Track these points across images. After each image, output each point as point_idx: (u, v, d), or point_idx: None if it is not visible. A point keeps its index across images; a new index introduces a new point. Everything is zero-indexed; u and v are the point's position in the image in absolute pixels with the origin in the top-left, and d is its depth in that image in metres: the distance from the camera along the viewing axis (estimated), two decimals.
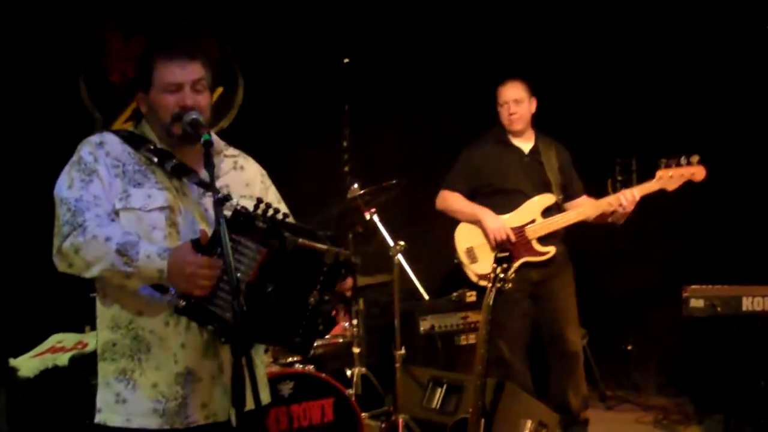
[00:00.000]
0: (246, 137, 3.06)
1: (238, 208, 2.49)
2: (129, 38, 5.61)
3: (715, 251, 5.74)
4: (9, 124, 5.25)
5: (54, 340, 4.26)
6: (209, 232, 2.52)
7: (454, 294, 5.87)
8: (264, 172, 3.03)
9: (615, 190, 5.87)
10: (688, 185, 4.68)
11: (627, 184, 5.97)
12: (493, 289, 3.82)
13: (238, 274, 2.39)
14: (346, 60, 6.10)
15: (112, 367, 2.67)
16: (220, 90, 5.54)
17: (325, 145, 5.99)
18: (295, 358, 4.29)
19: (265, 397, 2.86)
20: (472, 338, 5.61)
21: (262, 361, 2.98)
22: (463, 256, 4.98)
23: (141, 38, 5.61)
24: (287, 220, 2.57)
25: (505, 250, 3.92)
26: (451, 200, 5.04)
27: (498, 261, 3.86)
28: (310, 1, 6.09)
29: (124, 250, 2.48)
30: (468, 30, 6.40)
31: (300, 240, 2.45)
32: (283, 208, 2.99)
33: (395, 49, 6.28)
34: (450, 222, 5.16)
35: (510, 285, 3.85)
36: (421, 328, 5.49)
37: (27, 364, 4.09)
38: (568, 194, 4.98)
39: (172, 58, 2.69)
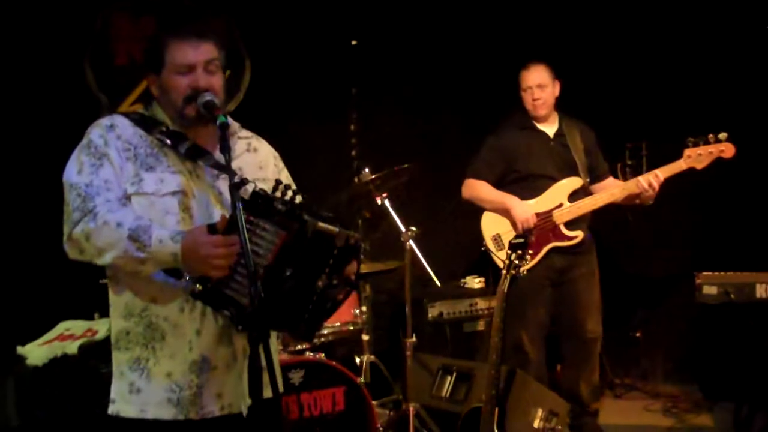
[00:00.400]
0: (252, 120, 2.98)
1: (257, 189, 2.44)
2: (137, 19, 5.53)
3: (728, 237, 5.71)
4: (16, 109, 5.17)
5: (62, 327, 4.20)
6: (226, 215, 2.47)
7: (462, 280, 5.86)
8: (276, 154, 2.97)
9: (624, 175, 5.94)
10: (717, 164, 4.61)
11: (637, 168, 6.00)
12: (508, 276, 3.76)
13: (256, 258, 2.35)
14: (353, 42, 6.01)
15: (126, 356, 2.62)
16: (227, 72, 5.43)
17: (332, 129, 5.92)
18: (305, 346, 4.24)
19: (280, 386, 2.81)
20: (480, 325, 5.62)
21: (276, 349, 2.92)
22: (490, 244, 4.93)
23: (150, 19, 5.53)
24: (306, 201, 2.52)
25: (520, 236, 3.83)
26: (478, 189, 4.96)
27: (512, 247, 3.79)
28: None
29: (136, 235, 2.43)
30: (478, 11, 6.33)
31: (320, 223, 2.41)
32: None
33: (404, 31, 6.20)
34: (460, 207, 5.11)
35: (524, 271, 3.79)
36: (430, 315, 5.46)
37: (35, 353, 4.04)
38: (594, 176, 4.92)
39: (184, 39, 2.63)
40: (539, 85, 4.84)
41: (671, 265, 6.08)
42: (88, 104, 5.42)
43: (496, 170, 4.93)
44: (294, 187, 2.93)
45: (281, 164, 2.97)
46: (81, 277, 3.35)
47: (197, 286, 2.43)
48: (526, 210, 4.76)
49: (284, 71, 5.92)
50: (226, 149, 2.44)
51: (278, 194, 2.44)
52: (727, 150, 4.55)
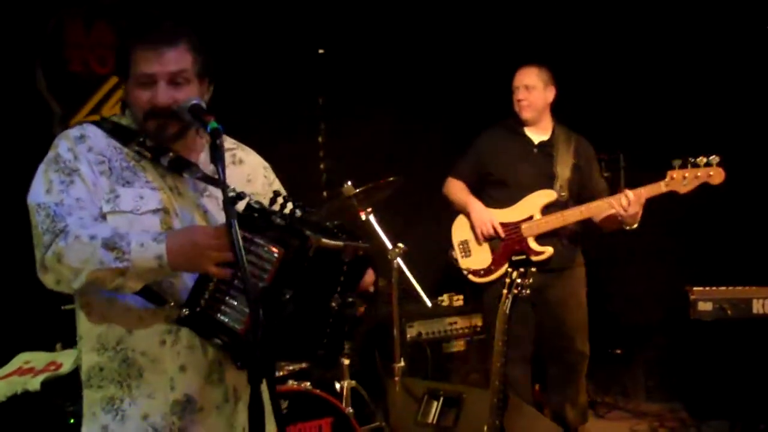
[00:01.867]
0: None
1: (252, 202, 2.16)
2: (90, 25, 5.20)
3: (715, 250, 5.54)
4: None
5: (21, 359, 3.80)
6: None
7: (440, 298, 5.63)
8: (267, 164, 2.70)
9: None
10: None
11: (614, 182, 5.78)
12: (510, 296, 3.53)
13: (252, 279, 2.04)
14: (321, 51, 5.75)
15: (98, 395, 2.31)
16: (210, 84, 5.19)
17: (300, 141, 5.65)
18: (285, 372, 3.95)
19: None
20: (460, 345, 5.38)
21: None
22: (456, 249, 4.74)
23: (103, 25, 5.20)
24: (307, 214, 2.23)
25: (521, 252, 3.60)
26: (452, 188, 4.82)
27: (514, 264, 3.57)
28: None
29: (112, 243, 2.13)
30: (450, 17, 6.13)
31: (323, 239, 2.12)
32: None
33: (373, 38, 5.96)
34: (436, 220, 4.89)
35: (528, 291, 3.55)
36: (408, 336, 5.20)
37: None
38: (583, 195, 4.64)
39: (148, 45, 2.31)
40: (526, 86, 4.65)
41: (652, 280, 5.89)
42: (36, 112, 5.05)
43: (472, 171, 4.77)
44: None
45: (272, 176, 2.70)
46: (41, 302, 2.99)
47: (183, 310, 2.15)
48: (486, 216, 4.59)
49: (248, 81, 5.59)
50: (219, 159, 2.13)
51: (276, 207, 2.16)
52: (716, 175, 4.27)
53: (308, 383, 3.91)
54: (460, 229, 4.78)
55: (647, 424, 5.49)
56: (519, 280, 3.54)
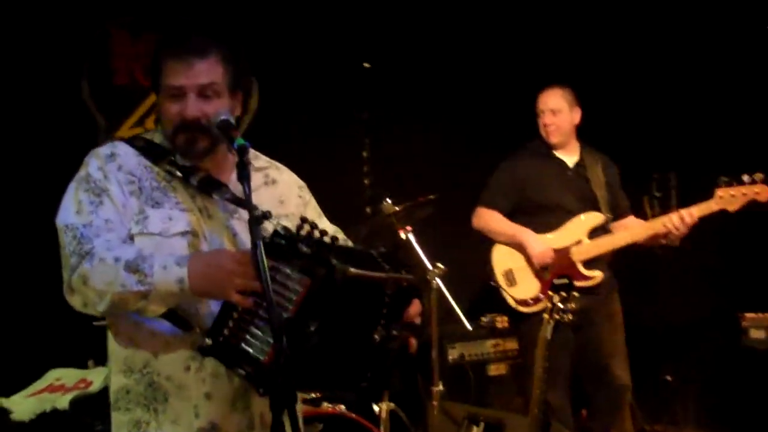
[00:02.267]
0: (256, 147, 2.62)
1: (278, 228, 2.07)
2: (137, 37, 5.22)
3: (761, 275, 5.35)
4: (4, 134, 4.80)
5: (52, 376, 3.79)
6: None
7: (483, 319, 5.51)
8: (302, 183, 2.61)
9: (652, 208, 5.60)
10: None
11: (665, 201, 5.66)
12: (551, 321, 3.41)
13: (278, 309, 1.97)
14: (366, 65, 5.68)
15: (125, 418, 2.26)
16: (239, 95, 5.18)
17: (344, 156, 5.58)
18: (318, 394, 3.86)
19: None
20: (502, 368, 5.26)
21: (301, 410, 2.53)
22: (501, 279, 4.59)
23: (151, 37, 5.21)
24: (337, 242, 2.13)
25: (563, 276, 3.49)
26: (490, 219, 4.65)
27: (555, 289, 3.46)
28: (329, 1, 5.70)
29: (135, 265, 2.07)
30: (499, 33, 6.02)
31: (351, 269, 2.02)
32: (327, 225, 2.57)
33: (420, 52, 5.87)
34: (480, 239, 4.77)
35: (571, 317, 3.44)
36: (450, 357, 5.11)
37: (21, 406, 3.63)
38: (615, 214, 4.58)
39: (178, 57, 2.26)
40: (552, 110, 4.55)
41: (703, 305, 5.71)
42: (82, 125, 5.07)
43: (510, 199, 4.63)
44: (325, 220, 2.59)
45: (308, 195, 2.60)
46: (74, 318, 2.94)
47: (206, 340, 2.08)
48: (543, 245, 4.44)
49: (293, 95, 5.58)
50: (244, 177, 2.07)
51: (303, 233, 2.06)
52: (763, 193, 4.17)
53: (342, 406, 3.83)
54: (502, 259, 4.64)
55: None
56: (561, 305, 3.43)
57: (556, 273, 4.39)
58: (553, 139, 4.57)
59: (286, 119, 5.53)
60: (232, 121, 2.24)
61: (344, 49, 5.68)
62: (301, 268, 2.03)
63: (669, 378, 5.87)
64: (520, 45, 5.99)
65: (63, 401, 3.37)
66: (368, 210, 5.48)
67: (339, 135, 5.60)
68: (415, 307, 2.26)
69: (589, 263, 4.43)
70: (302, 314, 2.01)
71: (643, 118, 5.81)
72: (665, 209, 4.85)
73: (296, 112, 5.56)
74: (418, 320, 2.28)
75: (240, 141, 2.12)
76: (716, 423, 5.62)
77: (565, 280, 3.52)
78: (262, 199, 2.38)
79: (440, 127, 5.97)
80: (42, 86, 4.89)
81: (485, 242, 4.79)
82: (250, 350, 2.05)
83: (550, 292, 3.54)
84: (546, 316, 3.50)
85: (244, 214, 2.29)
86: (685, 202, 4.43)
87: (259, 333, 2.04)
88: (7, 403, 3.74)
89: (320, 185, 5.28)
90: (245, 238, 2.28)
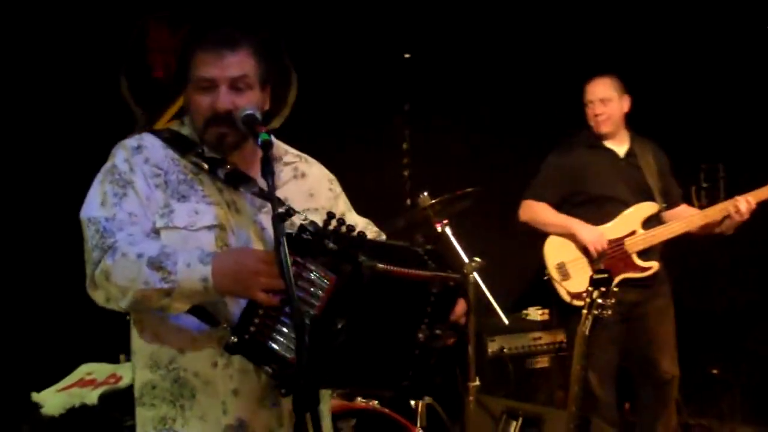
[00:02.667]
0: (294, 139, 2.59)
1: (305, 223, 2.03)
2: (176, 30, 5.22)
3: None
4: (43, 128, 4.83)
5: (83, 371, 3.82)
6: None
7: (524, 312, 5.46)
8: (332, 177, 2.57)
9: (699, 199, 5.52)
10: None
11: (713, 192, 5.60)
12: (590, 317, 3.34)
13: (303, 306, 1.95)
14: (407, 55, 5.63)
15: (150, 414, 2.24)
16: (267, 88, 5.17)
17: (383, 148, 5.55)
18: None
19: None
20: (544, 361, 5.19)
21: (329, 409, 2.50)
22: (554, 272, 4.51)
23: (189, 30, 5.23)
24: (365, 237, 2.11)
25: (603, 270, 3.42)
26: (539, 211, 4.58)
27: (594, 283, 3.38)
28: None
29: (158, 262, 2.05)
30: (543, 22, 5.94)
31: (380, 265, 1.99)
32: (357, 219, 2.54)
33: (461, 43, 5.80)
34: (521, 232, 4.72)
35: (610, 312, 3.37)
36: (489, 351, 5.05)
37: (52, 401, 3.67)
38: (668, 201, 4.51)
39: (209, 49, 2.24)
40: (602, 99, 4.46)
41: (752, 295, 5.61)
42: (121, 119, 5.08)
43: (560, 191, 4.56)
44: (354, 214, 2.56)
45: (338, 188, 2.57)
46: (106, 313, 2.95)
47: (232, 338, 2.05)
48: (596, 232, 4.37)
49: (332, 86, 5.54)
50: (268, 172, 2.05)
51: (330, 229, 2.03)
52: None
53: (376, 401, 3.80)
54: (554, 252, 4.56)
55: None
56: (600, 300, 3.36)
57: (610, 265, 4.32)
58: (604, 129, 4.49)
59: (326, 111, 5.50)
60: (258, 115, 2.21)
61: (385, 40, 5.64)
62: (327, 265, 2.00)
63: (715, 372, 5.78)
64: (562, 34, 5.91)
65: (92, 396, 3.39)
66: (407, 202, 5.45)
67: (379, 127, 5.57)
68: (460, 307, 2.24)
69: (644, 254, 4.38)
70: (328, 312, 1.98)
71: (691, 109, 5.71)
72: (713, 200, 4.82)
73: (336, 103, 5.52)
74: (463, 320, 2.27)
75: (264, 136, 2.10)
76: (763, 418, 5.53)
77: (605, 275, 3.43)
78: (291, 192, 2.37)
79: (480, 119, 5.90)
80: (81, 81, 4.91)
81: (526, 235, 4.73)
82: (277, 348, 2.02)
83: (589, 288, 3.45)
84: (584, 311, 3.43)
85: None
86: (733, 194, 4.36)
87: (286, 330, 2.01)
88: (38, 397, 3.78)
89: (360, 177, 5.31)
90: (272, 232, 2.27)
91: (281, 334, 2.02)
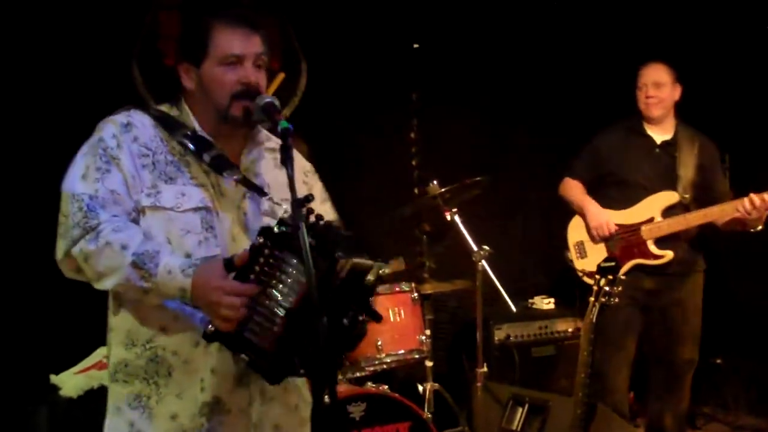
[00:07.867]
0: (306, 127, 2.60)
1: (285, 217, 2.08)
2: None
3: None
4: (58, 115, 4.85)
5: (101, 353, 3.86)
6: (247, 241, 2.17)
7: (531, 300, 5.50)
8: (309, 168, 2.60)
9: None
10: None
11: None
12: (597, 304, 3.37)
13: (279, 298, 2.02)
14: (415, 45, 5.63)
15: (124, 390, 2.29)
16: (281, 76, 5.17)
17: (391, 137, 5.55)
18: (365, 373, 3.89)
19: None
20: (550, 350, 5.23)
21: (304, 400, 2.49)
22: (572, 250, 4.63)
23: None
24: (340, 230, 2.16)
25: (610, 258, 3.45)
26: (568, 188, 4.70)
27: (601, 271, 3.40)
28: None
29: (140, 262, 2.09)
30: (551, 12, 5.95)
31: (354, 260, 2.06)
32: (327, 210, 2.56)
33: (469, 32, 5.80)
34: (528, 222, 4.75)
35: (616, 300, 3.39)
36: (496, 338, 5.10)
37: (70, 382, 3.73)
38: (707, 197, 4.46)
39: (235, 25, 2.28)
40: (655, 83, 4.49)
41: (755, 285, 5.62)
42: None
43: (590, 172, 4.66)
44: (329, 204, 2.57)
45: (313, 180, 2.60)
46: None
47: (209, 326, 2.09)
48: (602, 217, 4.45)
49: (341, 75, 5.54)
50: (288, 159, 2.06)
51: (309, 223, 2.06)
52: None
53: (386, 386, 3.84)
54: (575, 230, 4.67)
55: None
56: (607, 288, 3.38)
57: (625, 249, 4.42)
58: (655, 112, 4.50)
59: (335, 101, 5.51)
60: (277, 103, 2.24)
61: (393, 29, 5.64)
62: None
63: (719, 361, 5.81)
64: (570, 25, 5.93)
65: None
66: (416, 191, 5.47)
67: (387, 116, 5.57)
68: (374, 298, 2.29)
69: (663, 242, 4.40)
70: (304, 305, 2.01)
71: (696, 99, 5.68)
72: None
73: (345, 93, 5.54)
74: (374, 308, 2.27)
75: (284, 124, 2.12)
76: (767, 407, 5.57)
77: (612, 263, 3.46)
78: (272, 180, 2.42)
79: (488, 108, 5.91)
80: (92, 69, 4.92)
81: (534, 223, 4.77)
82: (253, 338, 2.07)
83: (596, 275, 3.48)
84: (591, 299, 3.46)
85: (255, 194, 2.33)
86: (739, 184, 4.39)
87: (262, 321, 2.05)
88: (56, 379, 3.83)
89: (368, 166, 5.35)
90: (253, 219, 2.32)
91: (258, 324, 2.06)
